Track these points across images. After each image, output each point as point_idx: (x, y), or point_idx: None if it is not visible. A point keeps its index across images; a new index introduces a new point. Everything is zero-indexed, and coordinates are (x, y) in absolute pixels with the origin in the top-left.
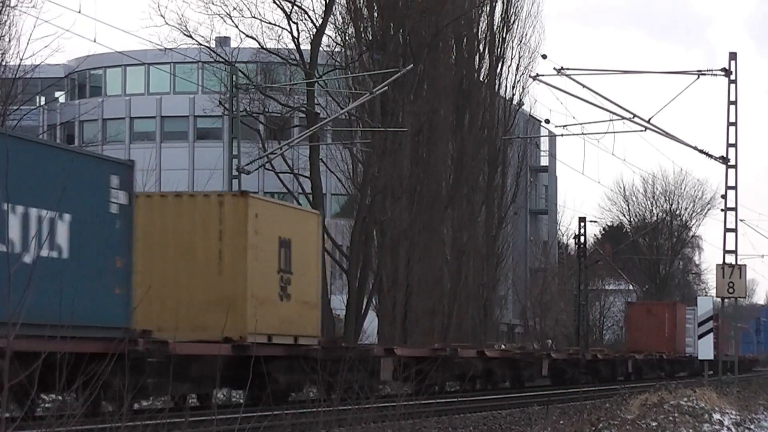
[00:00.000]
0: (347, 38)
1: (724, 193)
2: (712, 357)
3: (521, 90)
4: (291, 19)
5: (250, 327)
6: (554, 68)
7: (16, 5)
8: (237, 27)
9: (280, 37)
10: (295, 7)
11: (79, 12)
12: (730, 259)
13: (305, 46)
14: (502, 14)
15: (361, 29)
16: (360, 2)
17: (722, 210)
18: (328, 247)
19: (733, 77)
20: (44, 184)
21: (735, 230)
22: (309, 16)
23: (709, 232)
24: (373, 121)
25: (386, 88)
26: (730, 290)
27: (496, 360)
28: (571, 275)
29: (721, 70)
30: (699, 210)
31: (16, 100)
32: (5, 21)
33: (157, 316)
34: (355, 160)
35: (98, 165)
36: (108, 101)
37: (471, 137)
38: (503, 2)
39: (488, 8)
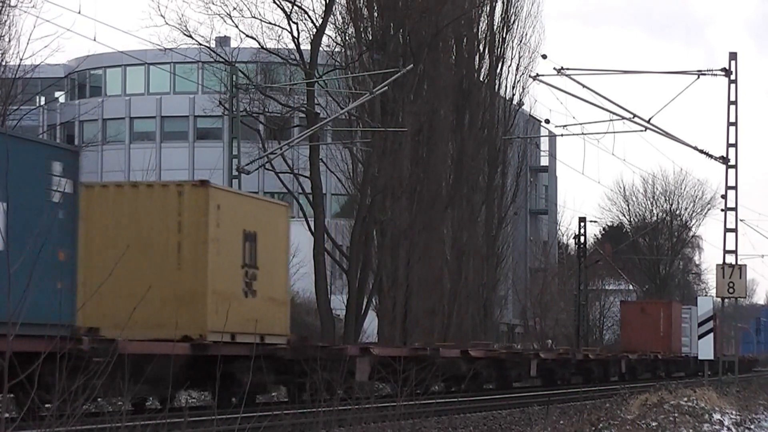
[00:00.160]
0: (347, 38)
1: (724, 193)
2: (712, 357)
3: (521, 90)
4: (291, 19)
5: (211, 325)
6: (554, 68)
7: (16, 5)
8: (237, 27)
9: (280, 37)
10: (295, 7)
11: (79, 13)
12: (730, 259)
13: (305, 46)
14: (502, 14)
15: (361, 29)
16: (360, 2)
17: (722, 210)
18: (328, 247)
19: (733, 77)
20: None
21: (735, 230)
22: (309, 16)
23: (709, 232)
24: (373, 121)
25: (386, 88)
26: (730, 290)
27: (482, 360)
28: (571, 275)
29: (721, 70)
30: (699, 210)
31: (16, 100)
32: (5, 21)
33: (111, 313)
34: (355, 160)
35: (38, 150)
36: (108, 101)
37: (471, 137)
38: (503, 2)
39: (488, 8)
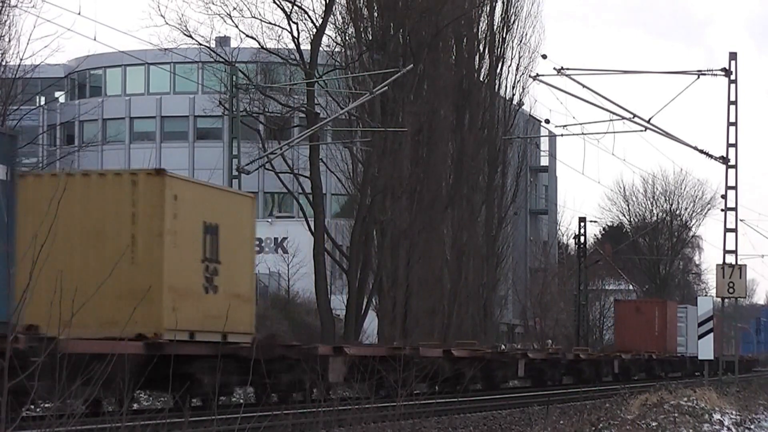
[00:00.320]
0: (347, 38)
1: (724, 193)
2: (712, 357)
3: (521, 90)
4: (291, 19)
5: (167, 322)
6: (554, 68)
7: (16, 5)
8: (237, 27)
9: (280, 37)
10: (295, 7)
11: (79, 14)
12: (730, 259)
13: (305, 46)
14: (502, 14)
15: (361, 29)
16: (360, 2)
17: (722, 210)
18: (328, 247)
19: (733, 77)
20: None
21: (735, 230)
22: (309, 16)
23: (709, 232)
24: (373, 121)
25: (386, 88)
26: (730, 290)
27: (465, 360)
28: (571, 275)
29: (721, 70)
30: (699, 210)
31: (16, 100)
32: (5, 21)
33: (59, 310)
34: (355, 160)
35: None
36: (108, 101)
37: (471, 137)
38: (503, 2)
39: (488, 8)
